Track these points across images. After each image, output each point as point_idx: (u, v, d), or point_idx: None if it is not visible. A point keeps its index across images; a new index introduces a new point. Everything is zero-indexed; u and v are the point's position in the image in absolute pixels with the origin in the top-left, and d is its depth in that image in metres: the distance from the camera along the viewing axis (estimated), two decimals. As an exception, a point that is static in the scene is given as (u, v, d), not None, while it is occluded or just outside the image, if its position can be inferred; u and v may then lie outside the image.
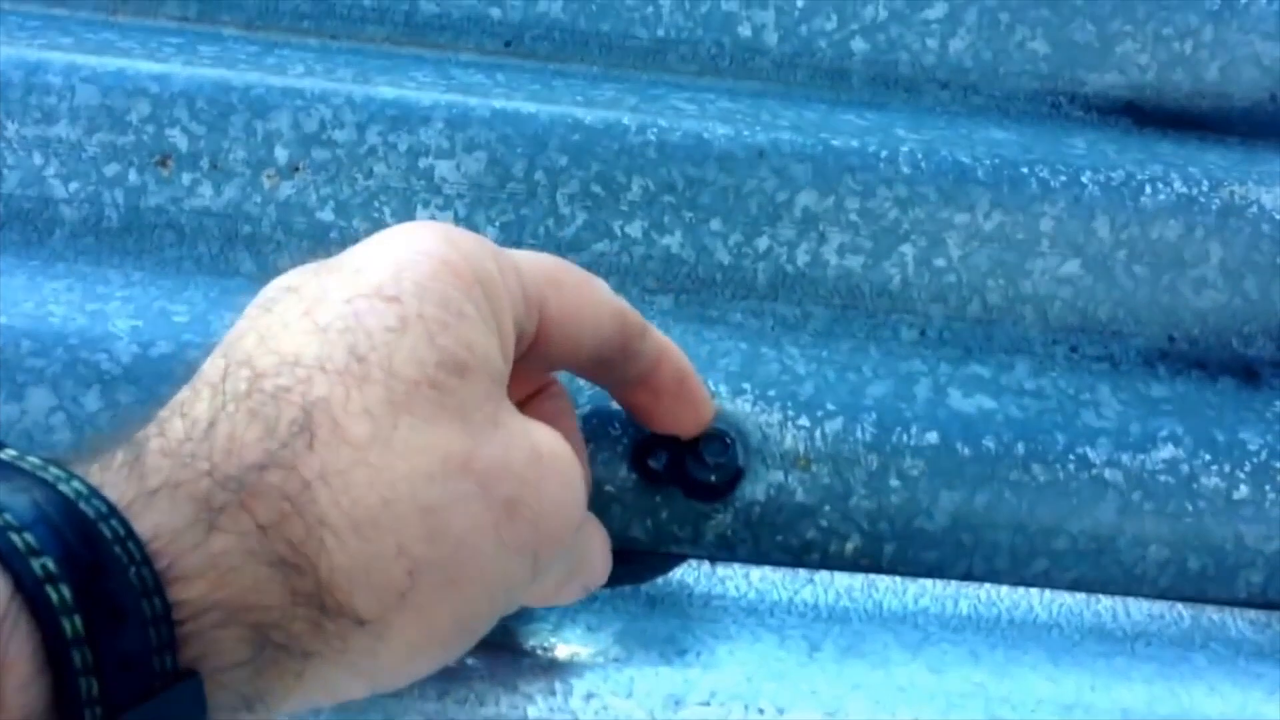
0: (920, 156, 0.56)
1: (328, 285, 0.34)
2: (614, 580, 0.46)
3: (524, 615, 0.44)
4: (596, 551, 0.42)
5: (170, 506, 0.29)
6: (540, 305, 0.38)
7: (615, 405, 0.49)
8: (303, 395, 0.31)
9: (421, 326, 0.33)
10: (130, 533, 0.28)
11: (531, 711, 0.41)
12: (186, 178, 0.54)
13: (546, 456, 0.35)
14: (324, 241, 0.53)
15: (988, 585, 0.48)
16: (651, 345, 0.42)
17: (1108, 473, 0.49)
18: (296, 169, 0.54)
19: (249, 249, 0.53)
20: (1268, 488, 0.50)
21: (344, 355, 0.32)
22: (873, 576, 0.48)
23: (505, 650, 0.42)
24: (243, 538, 0.30)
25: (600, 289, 0.41)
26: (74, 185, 0.53)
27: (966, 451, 0.49)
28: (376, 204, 0.54)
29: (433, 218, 0.54)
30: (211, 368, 0.33)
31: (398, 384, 0.32)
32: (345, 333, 0.33)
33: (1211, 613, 0.48)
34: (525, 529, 0.34)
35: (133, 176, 0.53)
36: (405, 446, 0.32)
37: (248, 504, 0.30)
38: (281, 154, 0.54)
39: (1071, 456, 0.50)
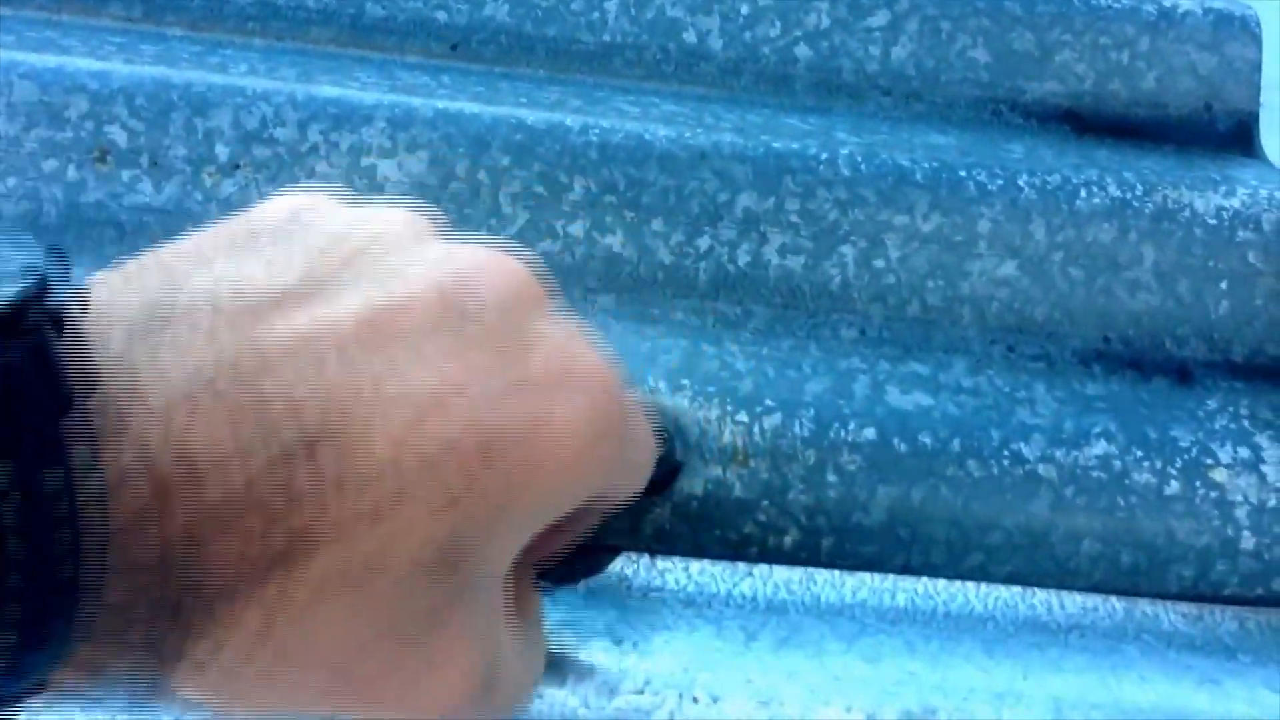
0: (860, 159, 0.56)
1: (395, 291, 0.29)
2: (548, 577, 0.46)
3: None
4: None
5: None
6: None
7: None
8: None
9: None
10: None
11: (466, 702, 0.41)
12: (126, 174, 0.53)
13: None
14: (265, 239, 0.53)
15: (924, 579, 0.49)
16: None
17: (1041, 468, 0.50)
18: (238, 166, 0.54)
19: (189, 246, 0.53)
20: (1198, 484, 0.50)
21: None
22: (811, 570, 0.48)
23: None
24: None
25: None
26: (11, 181, 0.53)
27: (904, 447, 0.50)
28: (318, 202, 0.54)
29: (375, 216, 0.54)
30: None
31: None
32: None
33: (1144, 606, 0.49)
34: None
35: (71, 172, 0.53)
36: None
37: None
38: (222, 151, 0.54)
39: (1006, 453, 0.50)
